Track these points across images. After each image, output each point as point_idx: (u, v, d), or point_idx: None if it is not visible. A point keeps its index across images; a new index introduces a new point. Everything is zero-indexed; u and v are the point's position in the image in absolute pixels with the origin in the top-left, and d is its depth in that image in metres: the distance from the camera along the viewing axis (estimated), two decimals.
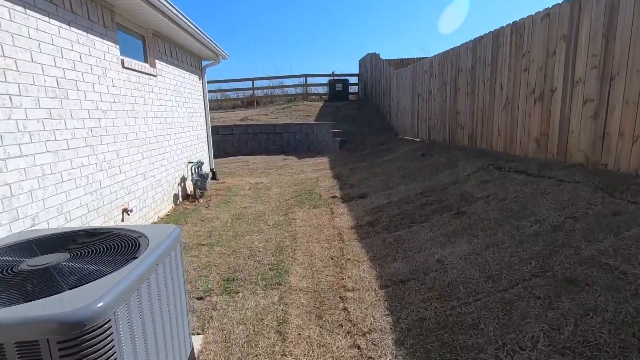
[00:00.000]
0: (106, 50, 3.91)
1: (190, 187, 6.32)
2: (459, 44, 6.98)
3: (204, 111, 7.58)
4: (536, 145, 4.83)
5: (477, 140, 6.39)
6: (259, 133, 12.40)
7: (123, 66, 4.24)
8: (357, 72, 17.79)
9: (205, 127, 7.66)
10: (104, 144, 3.80)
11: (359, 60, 17.36)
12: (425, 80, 8.71)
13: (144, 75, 4.78)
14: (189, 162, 6.22)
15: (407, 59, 15.91)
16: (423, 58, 9.58)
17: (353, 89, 17.20)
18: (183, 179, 6.02)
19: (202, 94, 7.45)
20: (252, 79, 17.43)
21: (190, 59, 6.87)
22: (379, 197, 5.40)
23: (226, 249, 3.93)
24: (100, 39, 3.82)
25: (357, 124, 12.48)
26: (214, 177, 7.90)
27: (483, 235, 3.28)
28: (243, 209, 5.56)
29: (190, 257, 3.76)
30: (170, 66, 5.70)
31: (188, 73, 6.64)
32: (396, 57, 15.90)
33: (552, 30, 4.52)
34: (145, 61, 5.04)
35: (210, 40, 6.38)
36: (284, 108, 14.55)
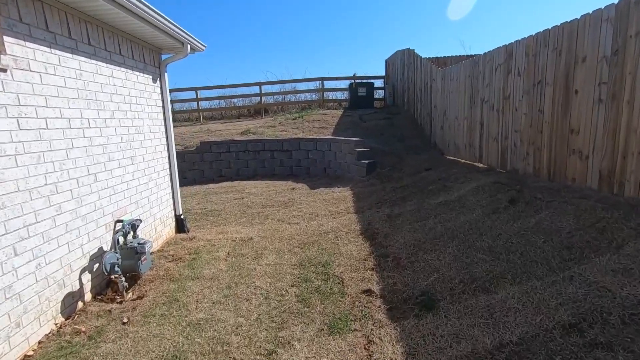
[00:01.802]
0: None
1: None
2: (577, 17, 4.14)
3: (163, 128, 4.98)
4: None
5: (622, 183, 3.53)
6: (261, 151, 9.78)
7: None
8: (382, 74, 15.02)
9: (164, 153, 5.05)
10: None
11: (386, 60, 14.59)
12: (496, 80, 5.88)
13: None
14: (118, 221, 3.60)
15: (446, 57, 13.04)
16: (471, 55, 6.79)
17: (378, 94, 14.42)
18: (101, 255, 3.40)
19: (159, 103, 4.87)
20: (260, 84, 14.93)
21: (133, 49, 4.29)
22: (466, 313, 2.61)
23: None
24: None
25: (387, 139, 9.69)
26: (181, 228, 5.27)
27: None
28: (193, 327, 2.87)
29: None
30: (66, 54, 3.11)
31: (125, 70, 4.05)
32: (431, 56, 13.06)
33: None
34: None
35: (164, 18, 3.80)
36: (295, 118, 11.92)
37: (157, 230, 4.65)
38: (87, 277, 3.23)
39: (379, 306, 2.99)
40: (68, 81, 3.08)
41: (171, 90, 16.05)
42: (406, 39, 45.97)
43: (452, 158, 7.74)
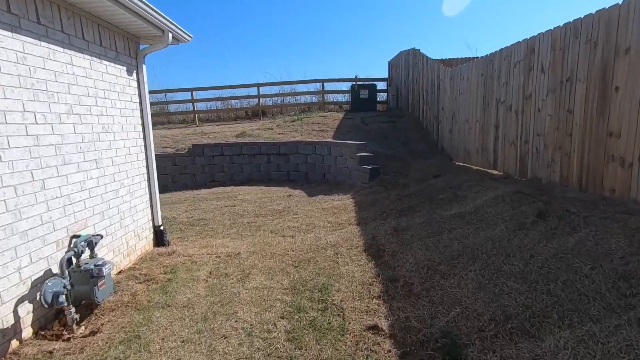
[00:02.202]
0: None
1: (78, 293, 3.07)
2: (618, 2, 3.56)
3: (140, 127, 4.38)
4: None
5: None
6: (257, 154, 9.19)
7: None
8: (385, 76, 14.47)
9: (141, 156, 4.45)
10: None
11: (389, 62, 14.04)
12: (514, 78, 5.29)
13: None
14: (74, 237, 2.99)
15: (452, 59, 12.48)
16: (477, 57, 6.22)
17: (381, 97, 13.86)
18: (44, 279, 2.79)
19: (135, 98, 4.27)
20: (258, 85, 14.38)
21: (101, 34, 3.71)
22: None
23: None
24: None
25: (391, 143, 9.10)
26: (160, 241, 4.65)
27: None
28: None
29: None
30: (4, 32, 2.53)
31: (89, 58, 3.47)
32: (436, 58, 12.49)
33: None
34: None
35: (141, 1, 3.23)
36: (294, 121, 11.34)
37: (129, 244, 4.04)
38: (26, 309, 2.61)
39: (389, 350, 2.37)
40: (4, 65, 2.48)
41: (166, 91, 15.51)
42: (409, 41, 45.38)
43: (462, 164, 7.14)
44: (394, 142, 9.12)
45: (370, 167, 6.95)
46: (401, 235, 4.30)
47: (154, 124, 14.47)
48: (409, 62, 11.16)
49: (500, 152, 5.80)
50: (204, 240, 4.86)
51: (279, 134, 10.27)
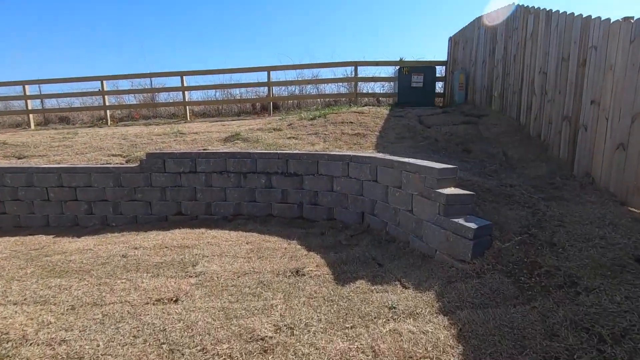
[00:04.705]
0: None
1: None
2: None
3: None
4: None
5: None
6: (251, 172, 5.55)
7: None
8: (442, 58, 10.50)
9: None
10: None
11: (451, 38, 10.06)
12: None
13: None
14: None
15: None
16: None
17: (438, 87, 9.93)
18: None
19: None
20: (268, 68, 10.75)
21: None
22: None
23: None
24: None
25: (482, 163, 5.26)
26: None
27: None
28: None
29: None
30: None
31: None
32: None
33: None
34: None
35: None
36: (314, 118, 7.61)
37: None
38: None
39: None
40: None
41: (151, 75, 11.89)
42: (469, 14, 39.06)
43: None
44: (486, 161, 5.26)
45: (475, 227, 3.11)
46: None
47: (133, 119, 11.08)
48: (495, 32, 7.20)
49: None
50: None
51: (289, 137, 6.59)
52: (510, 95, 6.55)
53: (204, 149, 6.03)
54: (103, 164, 5.99)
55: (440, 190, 3.55)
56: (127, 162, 6.08)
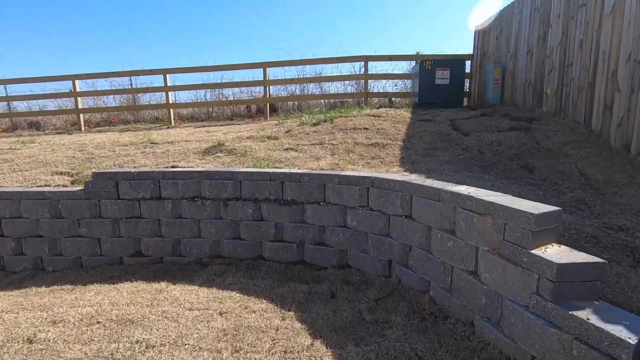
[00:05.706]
0: None
1: None
2: None
3: None
4: None
5: None
6: (232, 199, 4.06)
7: None
8: (466, 51, 9.01)
9: None
10: None
11: (478, 30, 8.55)
12: None
13: None
14: None
15: None
16: None
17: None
18: None
19: None
20: (264, 64, 9.30)
21: None
22: None
23: None
24: None
25: (552, 184, 3.75)
26: None
27: None
28: None
29: None
30: None
31: None
32: None
33: None
34: None
35: None
36: (318, 123, 6.12)
37: None
38: None
39: None
40: None
41: (130, 74, 10.41)
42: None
43: None
44: (561, 185, 3.76)
45: (636, 340, 1.64)
46: None
47: (110, 124, 9.58)
48: (548, 13, 5.70)
49: None
50: None
51: (287, 149, 5.10)
52: (575, 93, 5.04)
53: (172, 167, 4.55)
54: (41, 185, 4.53)
55: (539, 254, 2.05)
56: (72, 182, 4.62)
